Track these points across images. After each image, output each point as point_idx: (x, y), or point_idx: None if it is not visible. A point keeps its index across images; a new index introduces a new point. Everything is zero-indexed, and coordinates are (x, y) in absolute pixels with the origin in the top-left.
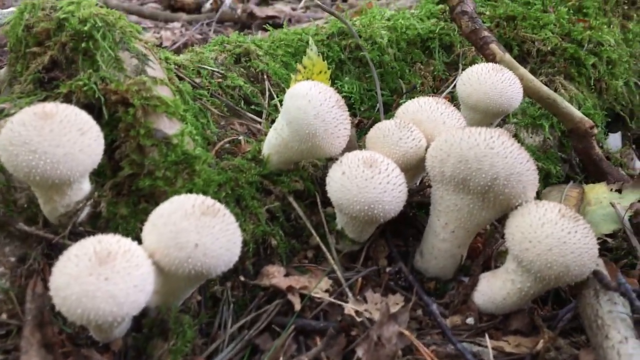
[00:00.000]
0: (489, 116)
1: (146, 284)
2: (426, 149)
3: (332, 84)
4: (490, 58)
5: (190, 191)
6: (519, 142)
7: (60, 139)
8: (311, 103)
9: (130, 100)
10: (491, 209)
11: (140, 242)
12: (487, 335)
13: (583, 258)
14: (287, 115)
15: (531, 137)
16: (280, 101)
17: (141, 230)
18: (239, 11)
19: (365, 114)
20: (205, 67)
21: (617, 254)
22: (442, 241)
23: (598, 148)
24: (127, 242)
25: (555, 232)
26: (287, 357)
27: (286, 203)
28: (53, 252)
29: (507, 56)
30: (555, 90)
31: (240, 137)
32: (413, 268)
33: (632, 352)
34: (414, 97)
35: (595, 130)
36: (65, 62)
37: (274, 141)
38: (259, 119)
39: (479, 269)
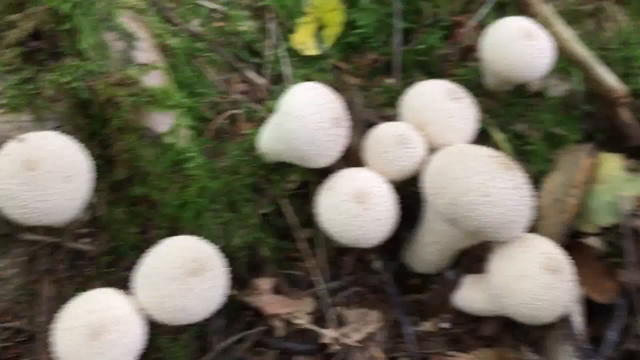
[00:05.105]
0: (511, 83)
1: (136, 346)
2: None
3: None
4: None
5: (184, 203)
6: (541, 94)
7: (46, 192)
8: (304, 127)
9: (119, 102)
10: (480, 241)
11: (136, 251)
12: None
13: (555, 312)
14: (280, 132)
15: (557, 86)
16: (288, 49)
17: (138, 235)
18: None
19: (381, 49)
20: (204, 2)
21: (611, 250)
22: (429, 254)
23: (627, 115)
24: (118, 307)
25: (533, 289)
26: None
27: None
28: (59, 253)
29: (545, 8)
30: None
31: (239, 111)
32: (401, 261)
33: None
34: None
35: (625, 100)
36: (48, 31)
37: (269, 145)
38: (262, 80)
39: (464, 271)
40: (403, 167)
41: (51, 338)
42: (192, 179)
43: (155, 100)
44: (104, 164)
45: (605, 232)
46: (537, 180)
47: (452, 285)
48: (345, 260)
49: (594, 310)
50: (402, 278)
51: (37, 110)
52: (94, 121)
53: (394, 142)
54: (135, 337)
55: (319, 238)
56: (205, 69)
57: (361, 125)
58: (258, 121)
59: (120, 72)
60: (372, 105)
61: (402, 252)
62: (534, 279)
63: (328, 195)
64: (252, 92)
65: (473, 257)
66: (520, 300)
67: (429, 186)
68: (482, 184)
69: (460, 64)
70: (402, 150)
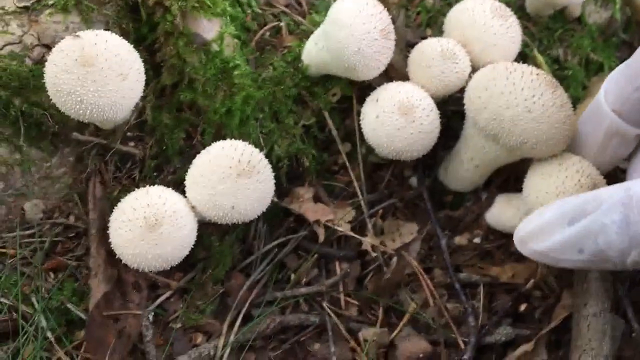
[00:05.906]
0: (551, 6)
1: (190, 240)
2: (470, 75)
3: None
4: None
5: (230, 110)
6: (583, 19)
7: (103, 90)
8: (354, 37)
9: (168, 5)
10: (517, 158)
11: (181, 156)
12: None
13: None
14: (328, 41)
15: (597, 13)
16: None
17: (184, 141)
18: None
19: None
20: None
21: None
22: (466, 171)
23: None
24: (172, 202)
25: None
26: (310, 277)
27: (321, 116)
28: (106, 152)
29: None
30: None
31: (282, 24)
32: (436, 179)
33: (602, 329)
34: None
35: None
36: None
37: (315, 56)
38: None
39: (496, 190)
40: (447, 82)
41: (106, 231)
42: (237, 86)
43: (203, 6)
44: (150, 69)
45: None
46: (572, 105)
47: (486, 203)
48: (382, 175)
49: None
50: (436, 195)
51: (84, 12)
52: (141, 25)
53: (439, 57)
54: (189, 231)
55: (358, 152)
56: None
57: (403, 43)
58: (301, 34)
59: None
60: (412, 25)
61: (438, 169)
62: (570, 194)
63: (373, 106)
64: (294, 5)
65: (506, 177)
66: None
67: (472, 101)
68: (527, 99)
69: None
70: (448, 65)
